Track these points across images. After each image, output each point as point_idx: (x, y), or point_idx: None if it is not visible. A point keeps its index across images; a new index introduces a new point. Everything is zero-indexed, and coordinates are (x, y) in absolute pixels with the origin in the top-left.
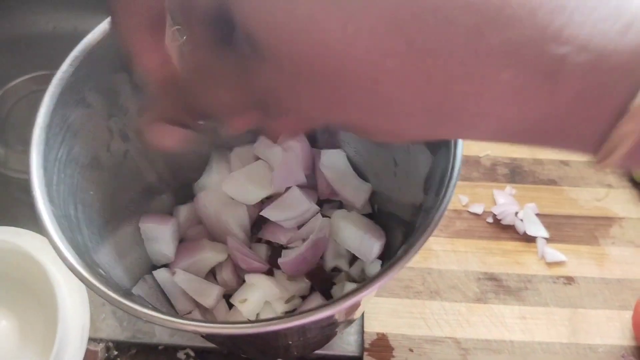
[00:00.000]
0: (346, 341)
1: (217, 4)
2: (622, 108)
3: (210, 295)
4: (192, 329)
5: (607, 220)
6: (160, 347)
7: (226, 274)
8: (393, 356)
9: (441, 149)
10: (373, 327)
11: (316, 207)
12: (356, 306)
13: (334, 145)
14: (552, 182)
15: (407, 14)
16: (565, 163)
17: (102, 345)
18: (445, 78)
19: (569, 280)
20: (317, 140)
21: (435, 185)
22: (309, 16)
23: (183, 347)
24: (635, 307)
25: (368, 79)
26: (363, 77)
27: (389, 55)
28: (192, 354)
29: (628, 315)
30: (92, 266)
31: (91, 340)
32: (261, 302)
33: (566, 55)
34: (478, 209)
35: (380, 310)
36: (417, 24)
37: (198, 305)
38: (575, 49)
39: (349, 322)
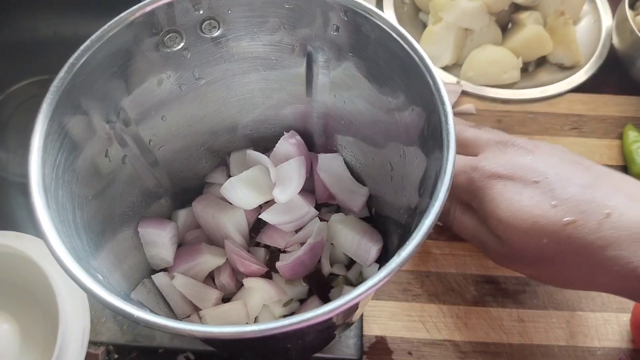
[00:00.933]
0: (345, 344)
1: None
2: None
3: (209, 299)
4: (188, 332)
5: None
6: (160, 351)
7: (224, 278)
8: (392, 359)
9: (434, 152)
10: (372, 330)
11: (314, 211)
12: (354, 309)
13: (331, 149)
14: None
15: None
16: None
17: (102, 348)
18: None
19: None
20: (315, 144)
21: (430, 187)
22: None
23: (183, 351)
24: (632, 309)
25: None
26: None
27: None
28: (192, 357)
29: (626, 318)
30: (90, 271)
31: (92, 343)
32: (259, 305)
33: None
34: None
35: (379, 313)
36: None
37: (197, 309)
38: None
39: (348, 325)
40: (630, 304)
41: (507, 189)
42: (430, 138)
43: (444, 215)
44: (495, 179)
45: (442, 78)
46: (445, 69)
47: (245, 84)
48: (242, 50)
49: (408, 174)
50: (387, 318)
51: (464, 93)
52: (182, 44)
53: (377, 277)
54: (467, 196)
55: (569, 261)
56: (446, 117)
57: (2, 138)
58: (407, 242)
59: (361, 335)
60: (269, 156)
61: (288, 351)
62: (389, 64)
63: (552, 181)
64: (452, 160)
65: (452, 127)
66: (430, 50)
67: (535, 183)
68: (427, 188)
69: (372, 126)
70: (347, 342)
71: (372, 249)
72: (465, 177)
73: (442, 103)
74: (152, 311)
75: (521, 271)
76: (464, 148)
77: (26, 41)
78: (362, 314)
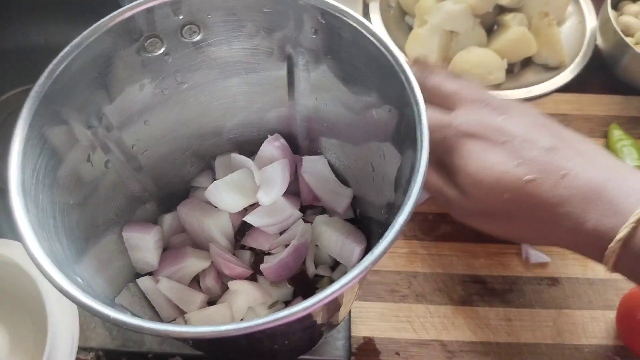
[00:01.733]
0: (333, 346)
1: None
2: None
3: (194, 302)
4: (163, 332)
5: None
6: (150, 356)
7: (209, 281)
8: None
9: (409, 149)
10: (360, 331)
11: (298, 213)
12: (337, 306)
13: (315, 152)
14: None
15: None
16: None
17: (92, 354)
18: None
19: (554, 281)
20: (299, 147)
21: (404, 185)
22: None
23: (173, 355)
24: (618, 306)
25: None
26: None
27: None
28: None
29: (612, 315)
30: (69, 274)
31: (81, 349)
32: (244, 308)
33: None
34: None
35: (366, 314)
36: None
37: (182, 312)
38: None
39: (333, 325)
40: (617, 301)
41: (477, 147)
42: (406, 137)
43: None
44: (467, 138)
45: None
46: None
47: (228, 88)
48: (223, 54)
49: (388, 174)
50: (374, 319)
51: None
52: (163, 49)
53: (351, 274)
54: (440, 152)
55: (526, 216)
56: (420, 116)
57: None
58: (381, 240)
59: (349, 337)
60: (253, 160)
61: (275, 352)
62: (365, 65)
63: (519, 142)
64: (425, 159)
65: (426, 126)
66: (416, 53)
67: (503, 143)
68: (402, 186)
69: (352, 127)
70: (335, 343)
71: (356, 250)
72: (439, 134)
73: (416, 103)
74: (134, 315)
75: (481, 226)
76: (441, 100)
77: (16, 49)
78: (349, 315)
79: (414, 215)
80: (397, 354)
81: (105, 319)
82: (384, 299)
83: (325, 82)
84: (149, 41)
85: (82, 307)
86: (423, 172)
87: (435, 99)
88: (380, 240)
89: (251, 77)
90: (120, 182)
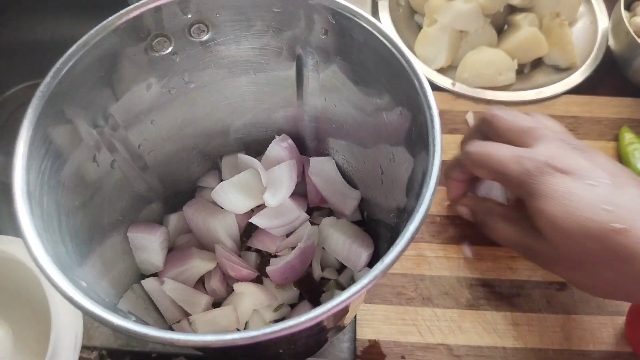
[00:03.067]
0: (338, 348)
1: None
2: None
3: (199, 304)
4: (168, 341)
5: None
6: (153, 355)
7: (215, 283)
8: None
9: (421, 153)
10: (365, 334)
11: (305, 216)
12: (343, 313)
13: (323, 152)
14: None
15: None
16: None
17: (95, 353)
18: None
19: (562, 286)
20: (307, 147)
21: (416, 190)
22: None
23: (176, 355)
24: (627, 312)
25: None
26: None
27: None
28: None
29: (621, 320)
30: (72, 278)
31: (85, 348)
32: (249, 310)
33: None
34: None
35: (372, 317)
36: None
37: (187, 314)
38: None
39: (339, 328)
40: (625, 307)
41: (563, 185)
42: (418, 140)
43: (481, 226)
44: (552, 172)
45: (437, 81)
46: (440, 71)
47: (236, 87)
48: (231, 53)
49: (397, 177)
50: (380, 322)
51: (459, 95)
52: (170, 48)
53: (360, 284)
54: (517, 187)
55: (614, 269)
56: (432, 119)
57: (0, 141)
58: (393, 246)
59: (354, 339)
60: (260, 160)
61: (280, 356)
62: (376, 66)
63: (608, 186)
64: (438, 164)
65: (438, 129)
66: (425, 53)
67: (591, 186)
68: (414, 190)
69: (362, 129)
70: (340, 346)
71: (363, 255)
72: (519, 167)
73: (429, 106)
74: (139, 318)
75: (565, 275)
76: (517, 135)
77: (23, 44)
78: (355, 318)
79: None
80: (403, 357)
81: (109, 326)
82: (390, 301)
83: (335, 83)
84: (156, 40)
85: (86, 314)
86: (435, 177)
87: (509, 133)
88: (392, 247)
89: (260, 76)
90: (126, 181)
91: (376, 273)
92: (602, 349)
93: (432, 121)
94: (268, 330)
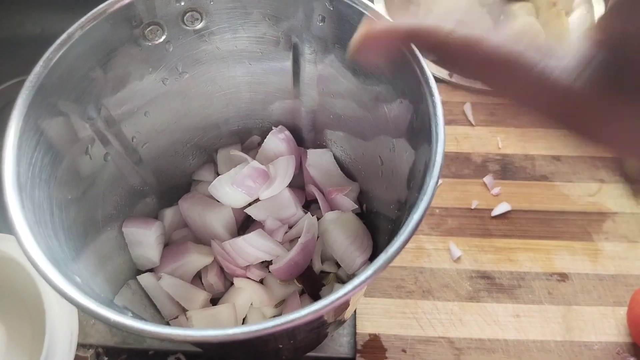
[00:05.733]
0: (338, 342)
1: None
2: None
3: (196, 300)
4: (165, 336)
5: (600, 216)
6: (150, 352)
7: (212, 277)
8: (386, 357)
9: (423, 144)
10: (365, 328)
11: (301, 210)
12: (345, 306)
13: (320, 144)
14: (543, 177)
15: None
16: (556, 158)
17: (91, 351)
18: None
19: (563, 277)
20: (304, 139)
21: (418, 181)
22: None
23: (174, 352)
24: (629, 303)
25: None
26: None
27: None
28: (183, 358)
29: (622, 311)
30: (67, 273)
31: (81, 346)
32: (247, 306)
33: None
34: (470, 205)
35: (372, 310)
36: None
37: (184, 310)
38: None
39: (340, 323)
40: (627, 297)
41: None
42: (419, 130)
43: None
44: None
45: (434, 71)
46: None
47: (231, 77)
48: (226, 43)
49: (398, 169)
50: (380, 315)
51: (457, 86)
52: (163, 37)
53: (362, 277)
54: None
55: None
56: (435, 108)
57: None
58: (395, 238)
59: (354, 334)
60: (257, 152)
61: (280, 351)
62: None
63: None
64: (441, 153)
65: (441, 118)
66: None
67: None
68: (415, 182)
69: (361, 120)
70: (340, 340)
71: (357, 260)
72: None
73: (431, 94)
74: (135, 314)
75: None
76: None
77: (12, 39)
78: (354, 312)
79: None
80: (404, 350)
81: (105, 322)
82: (390, 295)
83: (333, 73)
84: (149, 29)
85: (82, 310)
86: (439, 168)
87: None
88: (394, 239)
89: (255, 66)
90: (120, 175)
91: (378, 266)
92: (603, 339)
93: (434, 110)
94: (269, 324)
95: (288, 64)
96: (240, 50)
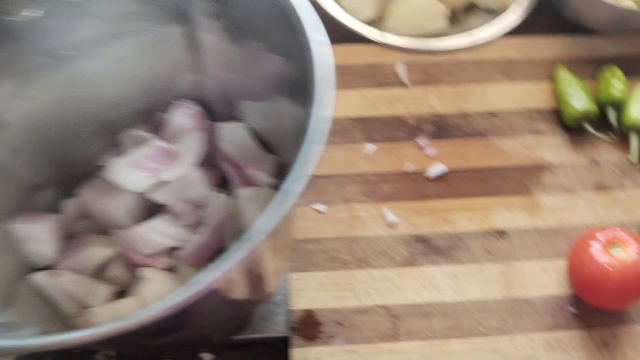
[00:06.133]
0: (273, 322)
1: None
2: None
3: (99, 295)
4: (49, 345)
5: (538, 169)
6: (76, 351)
7: (116, 270)
8: (321, 332)
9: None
10: (299, 304)
11: (211, 190)
12: (257, 280)
13: (235, 117)
14: (480, 134)
15: None
16: (493, 114)
17: (11, 356)
18: None
19: (501, 234)
20: (216, 113)
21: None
22: None
23: (101, 350)
24: (569, 254)
25: None
26: None
27: None
28: (113, 354)
29: (563, 263)
30: None
31: None
32: (156, 296)
33: None
34: (405, 169)
35: (306, 285)
36: None
37: (87, 306)
38: None
39: (261, 300)
40: (567, 248)
41: None
42: (304, 91)
43: None
44: None
45: (364, 32)
46: (371, 23)
47: (120, 51)
48: (108, 12)
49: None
50: (314, 290)
51: (388, 47)
52: (32, 10)
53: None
54: None
55: None
56: (312, 65)
57: None
58: (268, 208)
59: (289, 311)
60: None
61: (207, 337)
62: (260, 17)
63: None
64: (322, 116)
65: (325, 78)
66: (351, 4)
67: None
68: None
69: (264, 87)
70: (274, 319)
71: None
72: None
73: (309, 50)
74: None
75: None
76: None
77: None
78: (288, 288)
79: (353, 177)
80: (339, 323)
81: None
82: (323, 267)
83: (224, 40)
84: None
85: None
86: (320, 131)
87: None
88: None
89: (144, 37)
90: (5, 167)
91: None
92: (545, 294)
93: (311, 67)
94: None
95: (178, 31)
96: (125, 20)
